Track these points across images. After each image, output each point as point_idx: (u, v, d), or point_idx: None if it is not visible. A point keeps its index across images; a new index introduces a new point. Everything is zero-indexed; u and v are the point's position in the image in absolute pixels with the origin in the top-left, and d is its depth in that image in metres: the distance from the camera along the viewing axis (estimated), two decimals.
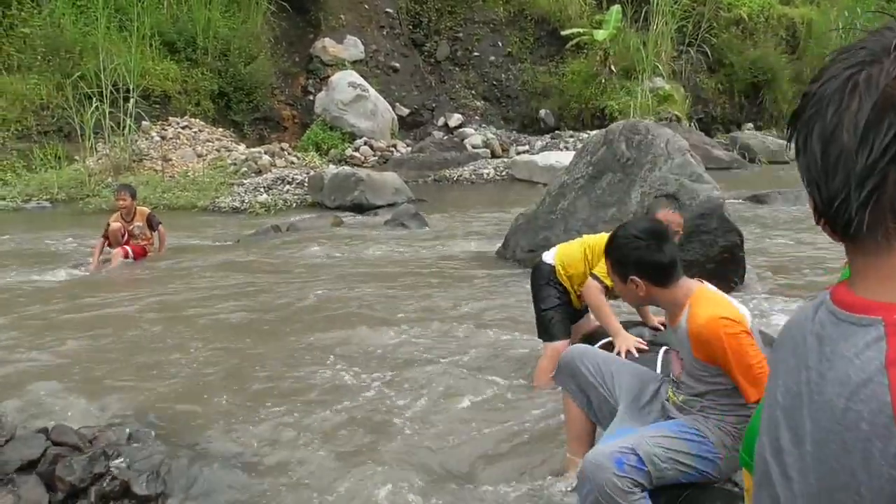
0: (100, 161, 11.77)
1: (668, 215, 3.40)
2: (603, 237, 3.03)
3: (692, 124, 15.44)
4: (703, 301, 2.21)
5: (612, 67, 15.80)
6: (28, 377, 3.74)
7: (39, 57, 12.67)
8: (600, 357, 2.61)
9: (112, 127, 11.73)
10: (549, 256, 3.60)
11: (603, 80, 15.80)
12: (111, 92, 11.68)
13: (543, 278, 3.53)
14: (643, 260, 2.25)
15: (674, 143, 5.71)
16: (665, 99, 15.17)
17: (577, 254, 3.55)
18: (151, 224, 7.11)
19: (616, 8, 16.01)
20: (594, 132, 9.43)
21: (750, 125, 17.85)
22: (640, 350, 3.09)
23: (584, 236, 3.79)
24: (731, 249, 5.26)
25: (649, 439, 2.17)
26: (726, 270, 5.18)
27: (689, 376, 2.26)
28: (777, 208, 8.95)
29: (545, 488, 2.68)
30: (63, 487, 2.70)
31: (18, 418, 3.25)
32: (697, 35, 17.51)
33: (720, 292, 2.29)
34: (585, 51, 16.56)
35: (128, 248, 6.88)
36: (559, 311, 3.50)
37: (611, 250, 2.37)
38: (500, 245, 6.72)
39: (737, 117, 18.32)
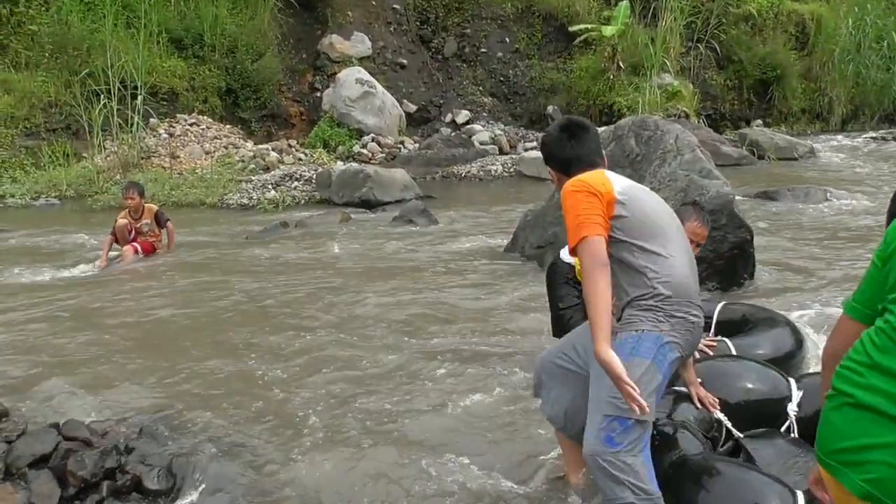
0: (108, 158, 11.79)
1: (696, 228, 3.25)
2: None
3: (701, 121, 15.35)
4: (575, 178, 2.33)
5: (621, 64, 15.72)
6: (39, 373, 3.76)
7: (47, 54, 12.69)
8: (564, 341, 2.62)
9: (120, 124, 11.75)
10: (566, 254, 3.44)
11: (611, 77, 15.73)
12: (119, 89, 11.68)
13: (561, 277, 3.40)
14: (552, 153, 2.50)
15: (683, 138, 5.68)
16: (673, 95, 15.09)
17: None
18: (159, 221, 7.14)
19: (624, 4, 15.93)
20: (602, 128, 9.38)
21: (759, 122, 17.74)
22: None
23: None
24: (740, 246, 5.23)
25: (611, 397, 2.12)
26: (736, 267, 5.16)
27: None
28: (786, 205, 8.89)
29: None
30: (75, 482, 2.71)
31: (30, 414, 3.27)
32: (706, 31, 17.41)
33: (606, 173, 2.38)
34: (593, 47, 16.49)
35: (136, 245, 6.91)
36: (578, 310, 3.31)
37: (540, 148, 2.60)
38: (508, 241, 6.71)
39: (745, 114, 18.22)
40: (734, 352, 3.14)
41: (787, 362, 3.19)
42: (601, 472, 2.12)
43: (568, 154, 2.45)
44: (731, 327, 3.48)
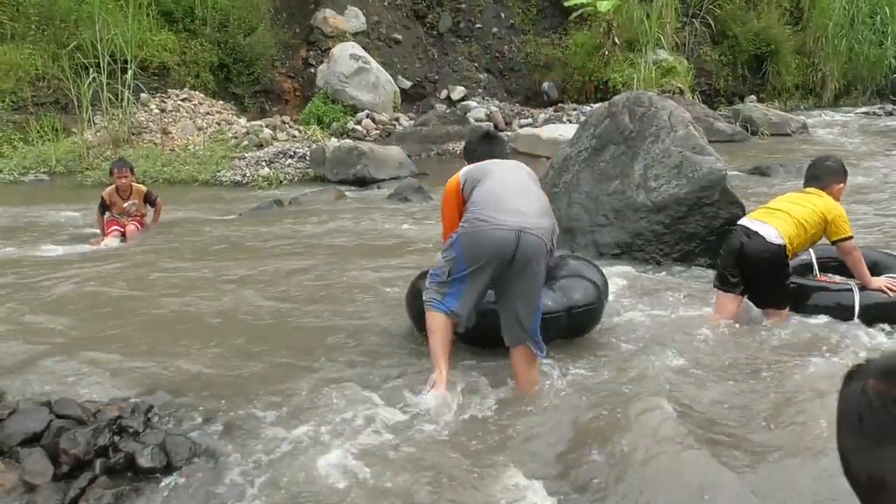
0: (98, 134, 11.68)
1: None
2: (807, 204, 3.99)
3: (695, 97, 15.30)
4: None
5: (616, 40, 15.61)
6: (30, 352, 3.74)
7: (33, 26, 12.48)
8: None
9: (110, 99, 11.61)
10: (773, 236, 3.87)
11: (606, 53, 15.62)
12: (108, 63, 11.54)
13: (781, 258, 3.89)
14: (468, 146, 3.75)
15: (677, 115, 5.66)
16: (668, 71, 15.01)
17: (796, 229, 3.90)
18: (149, 200, 7.06)
19: None
20: (597, 105, 9.35)
21: (753, 97, 17.70)
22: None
23: (782, 209, 4.03)
24: (733, 222, 5.19)
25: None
26: None
27: None
28: (779, 180, 8.90)
29: None
30: (67, 460, 2.71)
31: (21, 392, 3.26)
32: (701, 6, 17.30)
33: (480, 164, 3.44)
34: (589, 23, 16.36)
35: (136, 224, 6.86)
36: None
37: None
38: None
39: (739, 89, 18.17)
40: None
41: None
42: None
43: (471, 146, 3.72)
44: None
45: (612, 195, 5.49)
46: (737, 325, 4.00)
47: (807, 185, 4.23)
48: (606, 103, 6.23)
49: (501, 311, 3.28)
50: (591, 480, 2.59)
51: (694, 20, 17.22)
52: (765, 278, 3.97)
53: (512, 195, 3.24)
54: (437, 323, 3.24)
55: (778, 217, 3.97)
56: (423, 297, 3.34)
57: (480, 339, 3.58)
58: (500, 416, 3.10)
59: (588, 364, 3.58)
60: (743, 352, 3.71)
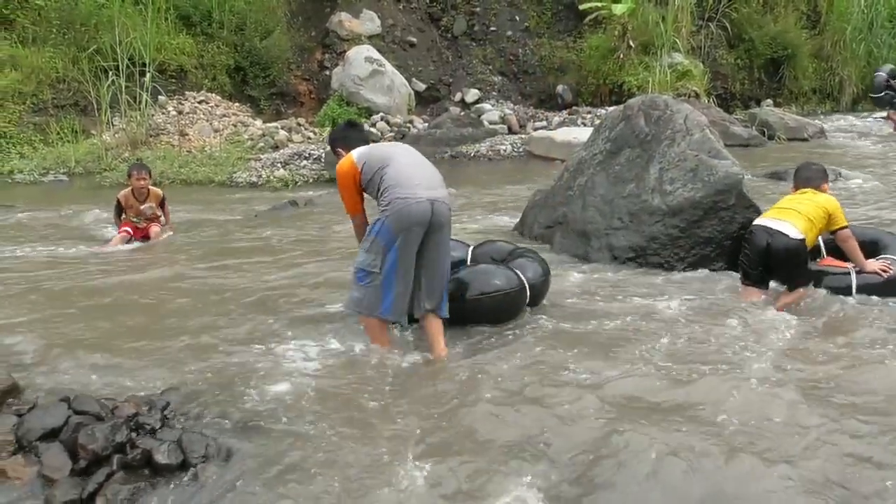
0: (116, 135, 11.80)
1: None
2: (808, 202, 4.58)
3: (711, 100, 15.22)
4: (343, 158, 3.76)
5: (631, 43, 15.56)
6: (50, 349, 3.79)
7: (54, 30, 12.65)
8: None
9: (128, 101, 11.74)
10: (793, 232, 4.41)
11: (621, 56, 15.57)
12: (127, 66, 11.67)
13: (803, 249, 4.44)
14: (341, 135, 4.01)
15: (693, 118, 5.65)
16: (684, 75, 14.94)
17: (807, 223, 4.46)
18: (163, 204, 7.12)
19: None
20: (612, 108, 9.33)
21: (769, 101, 17.59)
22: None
23: (792, 208, 4.59)
24: (749, 226, 5.20)
25: (359, 253, 3.63)
26: None
27: None
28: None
29: None
30: (85, 455, 2.74)
31: (40, 389, 3.31)
32: (717, 10, 17.21)
33: (375, 148, 3.78)
34: (604, 26, 16.32)
35: (158, 225, 6.94)
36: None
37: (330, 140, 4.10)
38: (517, 221, 6.70)
39: (756, 93, 18.05)
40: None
41: None
42: (351, 301, 3.70)
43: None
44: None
45: (628, 198, 5.48)
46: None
47: (801, 186, 4.87)
48: (621, 106, 6.22)
49: (417, 281, 3.65)
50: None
51: (710, 23, 17.14)
52: (791, 268, 4.52)
53: (418, 172, 3.66)
54: (376, 328, 3.70)
55: (791, 215, 4.54)
56: (352, 302, 3.66)
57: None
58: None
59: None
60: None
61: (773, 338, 3.91)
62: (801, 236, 4.44)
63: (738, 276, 4.82)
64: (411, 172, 3.63)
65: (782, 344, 3.84)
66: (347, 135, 3.99)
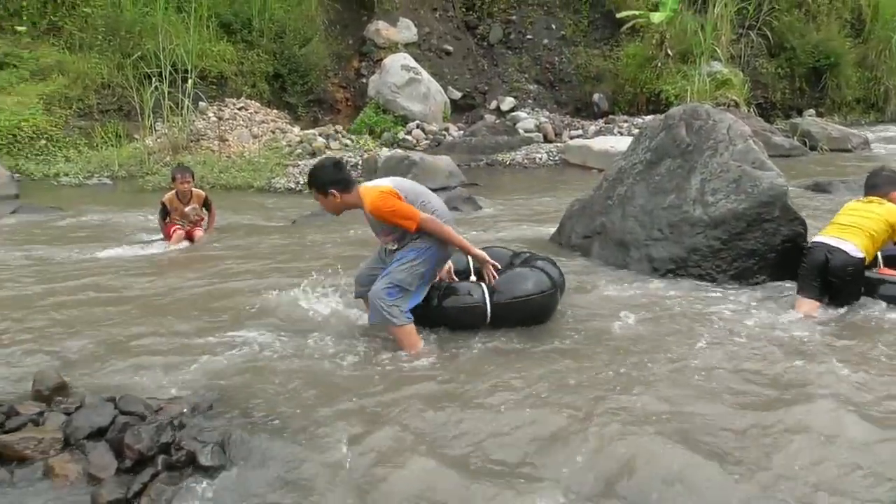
0: (158, 140, 12.04)
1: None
2: (872, 215, 4.54)
3: (751, 110, 15.01)
4: (365, 192, 3.82)
5: (669, 51, 15.44)
6: (96, 350, 3.87)
7: (100, 37, 12.99)
8: (373, 260, 4.22)
9: (170, 107, 11.98)
10: (853, 251, 4.42)
11: (659, 64, 15.46)
12: (170, 72, 11.92)
13: (861, 268, 4.46)
14: (335, 178, 3.82)
15: (736, 128, 5.57)
16: (723, 84, 14.76)
17: (868, 240, 4.47)
18: (207, 205, 7.26)
19: None
20: (649, 117, 9.25)
21: (811, 111, 17.28)
22: None
23: (854, 224, 4.56)
24: (794, 239, 5.11)
25: (402, 271, 3.82)
26: (789, 260, 5.04)
27: (386, 236, 3.95)
28: (840, 197, 8.63)
29: None
30: (131, 455, 2.78)
31: (87, 388, 3.37)
32: (758, 18, 16.99)
33: (374, 181, 3.96)
34: (641, 34, 16.23)
35: (201, 229, 7.08)
36: None
37: (311, 181, 3.89)
38: (554, 230, 6.66)
39: (797, 103, 17.76)
40: None
41: None
42: (378, 313, 3.81)
43: (347, 176, 3.90)
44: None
45: (668, 209, 5.42)
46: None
47: (868, 194, 4.78)
48: (662, 116, 6.16)
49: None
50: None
51: (750, 31, 16.92)
52: (847, 285, 4.50)
53: (447, 209, 4.13)
54: (413, 333, 3.87)
55: (852, 232, 4.52)
56: (388, 314, 3.80)
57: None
58: None
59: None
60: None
61: (830, 355, 3.80)
62: (861, 255, 4.43)
63: (781, 287, 4.74)
64: (446, 209, 4.04)
65: (843, 360, 3.72)
66: (343, 176, 3.86)
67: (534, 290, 4.12)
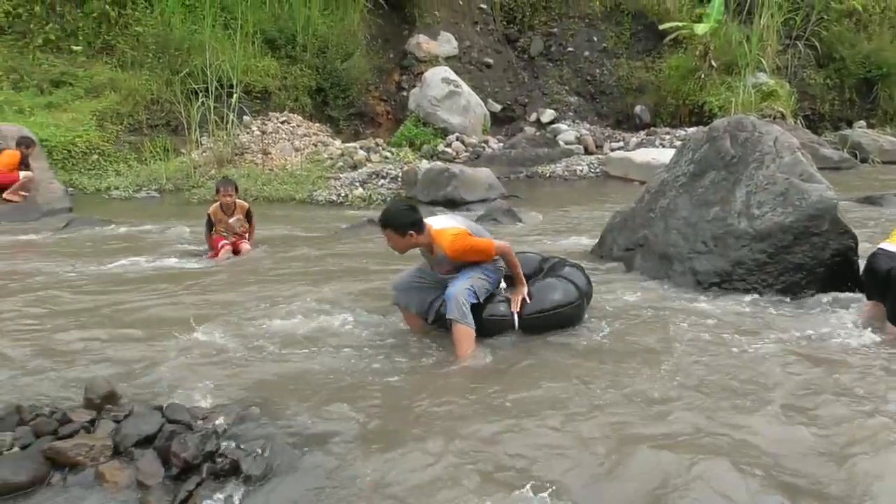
0: (204, 154, 12.32)
1: None
2: None
3: (798, 122, 14.72)
4: (438, 235, 4.15)
5: (713, 62, 15.25)
6: (145, 357, 3.95)
7: (151, 54, 13.39)
8: (415, 270, 4.52)
9: (216, 121, 12.26)
10: None
11: (702, 76, 15.28)
12: (216, 88, 12.20)
13: None
14: (414, 220, 4.10)
15: (783, 140, 5.47)
16: (769, 95, 14.52)
17: None
18: (248, 216, 7.39)
19: (718, 0, 15.45)
20: (692, 129, 9.14)
21: (862, 123, 16.86)
22: None
23: None
24: (844, 253, 4.99)
25: (476, 280, 4.20)
26: (838, 275, 4.92)
27: (444, 267, 4.28)
28: (892, 211, 8.41)
29: None
30: (178, 463, 2.83)
31: (135, 397, 3.44)
32: (806, 28, 16.68)
33: (439, 222, 4.26)
34: (684, 45, 16.07)
35: (247, 242, 7.22)
36: None
37: (391, 222, 4.11)
38: (595, 243, 6.61)
39: (847, 114, 17.36)
40: None
41: None
42: (456, 305, 4.03)
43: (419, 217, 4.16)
44: None
45: (712, 222, 5.33)
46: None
47: None
48: (706, 128, 6.07)
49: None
50: None
51: (797, 42, 16.62)
52: None
53: None
54: (473, 338, 4.11)
55: None
56: (464, 313, 4.09)
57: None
58: None
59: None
60: None
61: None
62: None
63: (831, 301, 4.68)
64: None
65: None
66: (420, 217, 4.15)
67: (561, 301, 4.31)
